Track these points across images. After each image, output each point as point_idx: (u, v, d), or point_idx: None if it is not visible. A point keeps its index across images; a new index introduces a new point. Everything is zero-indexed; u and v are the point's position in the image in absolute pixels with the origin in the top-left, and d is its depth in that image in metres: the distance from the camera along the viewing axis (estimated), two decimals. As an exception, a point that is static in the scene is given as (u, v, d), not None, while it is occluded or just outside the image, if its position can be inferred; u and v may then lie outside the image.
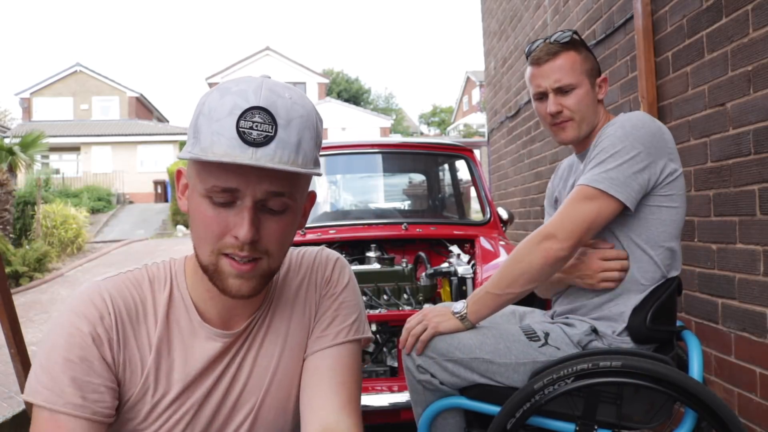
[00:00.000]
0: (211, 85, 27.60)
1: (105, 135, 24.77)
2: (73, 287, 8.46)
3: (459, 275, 2.42)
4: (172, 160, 21.59)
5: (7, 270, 8.26)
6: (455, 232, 3.06)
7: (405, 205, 4.23)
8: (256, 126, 0.75)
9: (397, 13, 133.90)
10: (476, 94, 34.42)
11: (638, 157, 1.36)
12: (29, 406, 0.83)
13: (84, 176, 23.19)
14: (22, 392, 0.85)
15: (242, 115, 0.75)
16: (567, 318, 1.50)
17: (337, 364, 0.93)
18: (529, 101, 4.86)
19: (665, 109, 2.59)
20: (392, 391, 2.26)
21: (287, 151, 0.76)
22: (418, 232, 2.96)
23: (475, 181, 3.37)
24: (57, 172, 22.58)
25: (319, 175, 0.81)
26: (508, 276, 1.40)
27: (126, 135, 24.84)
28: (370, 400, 2.20)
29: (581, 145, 1.57)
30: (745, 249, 2.04)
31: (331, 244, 2.89)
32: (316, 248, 1.04)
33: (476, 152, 3.62)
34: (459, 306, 1.45)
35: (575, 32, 1.54)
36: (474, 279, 2.40)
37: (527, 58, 1.58)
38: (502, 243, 2.82)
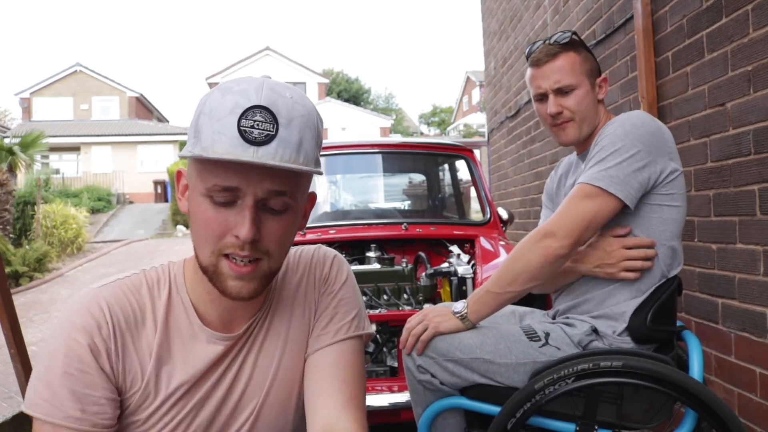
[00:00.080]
0: (211, 85, 27.61)
1: (105, 135, 24.77)
2: (73, 287, 8.46)
3: (459, 275, 2.42)
4: (172, 160, 21.60)
5: (7, 270, 8.27)
6: (455, 232, 3.06)
7: (405, 205, 4.24)
8: (258, 125, 0.75)
9: (397, 13, 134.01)
10: (476, 94, 34.43)
11: (638, 156, 1.36)
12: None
13: (84, 176, 23.19)
14: (22, 393, 0.85)
15: (243, 114, 0.75)
16: (567, 318, 1.50)
17: (339, 362, 0.93)
18: (529, 101, 4.87)
19: (665, 109, 2.59)
20: (392, 391, 2.26)
21: (288, 149, 0.76)
22: (418, 232, 2.96)
23: (475, 181, 3.37)
24: (57, 172, 22.58)
25: (320, 173, 0.81)
26: (508, 275, 1.40)
27: (126, 135, 24.84)
28: (370, 400, 2.20)
29: (582, 146, 1.57)
30: (745, 249, 2.04)
31: (331, 244, 2.88)
32: (312, 246, 1.03)
33: (476, 152, 3.62)
34: (459, 306, 1.45)
35: (574, 33, 1.54)
36: (474, 279, 2.40)
37: (527, 60, 1.58)
38: (502, 243, 2.82)
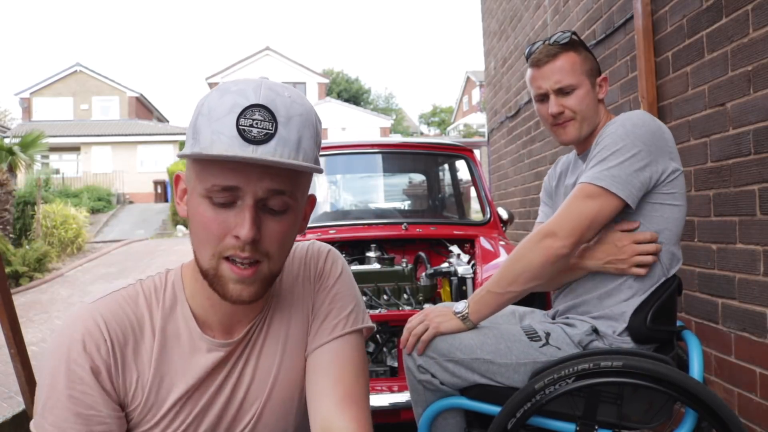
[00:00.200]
0: (211, 85, 27.63)
1: (105, 135, 24.77)
2: (73, 287, 8.46)
3: (459, 275, 2.42)
4: (172, 160, 21.59)
5: (7, 270, 8.27)
6: (455, 232, 3.06)
7: (405, 205, 4.24)
8: (257, 123, 0.74)
9: (397, 13, 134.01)
10: (476, 94, 34.43)
11: (639, 155, 1.36)
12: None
13: (84, 176, 23.19)
14: (22, 393, 0.85)
15: (242, 113, 0.74)
16: (568, 318, 1.50)
17: (335, 360, 0.92)
18: (529, 101, 4.87)
19: (665, 109, 2.59)
20: (392, 391, 2.26)
21: (288, 148, 0.76)
22: (418, 232, 2.96)
23: (475, 181, 3.37)
24: (57, 172, 22.57)
25: (320, 171, 0.80)
26: (509, 275, 1.40)
27: (126, 135, 24.84)
28: (370, 399, 2.20)
29: (583, 146, 1.57)
30: (745, 249, 2.04)
31: (331, 244, 2.88)
32: (306, 242, 1.02)
33: (476, 152, 3.62)
34: (460, 306, 1.45)
35: (574, 33, 1.54)
36: (474, 279, 2.40)
37: (527, 60, 1.58)
38: (502, 243, 2.82)
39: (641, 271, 1.39)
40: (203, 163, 0.78)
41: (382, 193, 3.88)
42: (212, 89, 0.81)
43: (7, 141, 11.34)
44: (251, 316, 0.92)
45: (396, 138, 16.33)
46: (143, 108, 30.19)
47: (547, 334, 1.43)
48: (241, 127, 0.74)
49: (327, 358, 0.92)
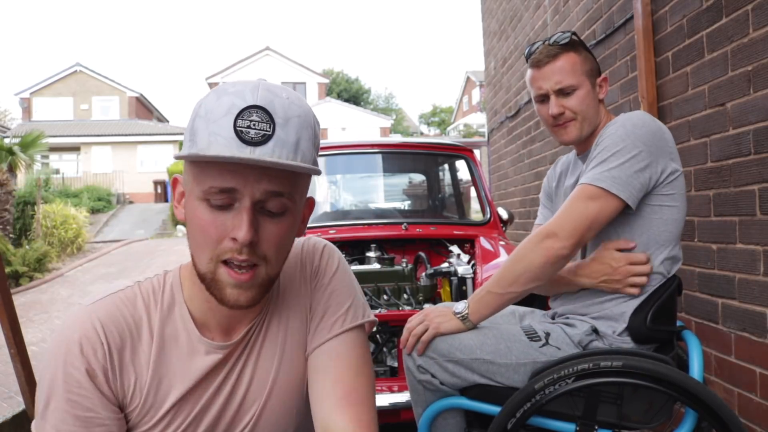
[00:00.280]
0: (211, 85, 27.61)
1: (105, 135, 24.76)
2: (73, 287, 8.46)
3: (459, 275, 2.42)
4: (172, 160, 21.57)
5: (7, 270, 8.27)
6: (455, 232, 3.06)
7: (405, 205, 4.23)
8: (254, 125, 0.74)
9: (397, 13, 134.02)
10: (476, 94, 34.42)
11: (639, 156, 1.36)
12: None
13: (84, 176, 23.18)
14: (22, 393, 0.86)
15: (239, 114, 0.74)
16: (567, 318, 1.50)
17: (335, 359, 0.91)
18: (529, 101, 4.86)
19: (665, 109, 2.59)
20: (392, 391, 2.26)
21: (285, 150, 0.75)
22: (418, 232, 2.96)
23: (475, 181, 3.37)
24: (57, 172, 22.56)
25: (318, 173, 0.79)
26: (510, 275, 1.39)
27: (126, 135, 24.83)
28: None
29: (583, 146, 1.57)
30: (745, 249, 2.04)
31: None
32: (301, 238, 1.00)
33: (476, 152, 3.62)
34: (460, 306, 1.45)
35: (574, 33, 1.54)
36: (474, 279, 2.40)
37: (527, 61, 1.58)
38: (502, 243, 2.82)
39: (634, 290, 1.40)
40: (200, 165, 0.77)
41: (382, 193, 3.88)
42: (210, 91, 0.80)
43: (7, 141, 11.34)
44: (250, 317, 0.91)
45: (396, 138, 16.33)
46: (143, 108, 30.19)
47: (547, 334, 1.43)
48: (238, 128, 0.74)
49: (326, 357, 0.91)
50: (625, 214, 1.41)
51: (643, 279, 1.40)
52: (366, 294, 2.51)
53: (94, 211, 18.15)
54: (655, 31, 2.66)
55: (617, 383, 1.31)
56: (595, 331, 1.42)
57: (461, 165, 3.62)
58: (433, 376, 1.43)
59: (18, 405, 3.29)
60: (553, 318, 1.57)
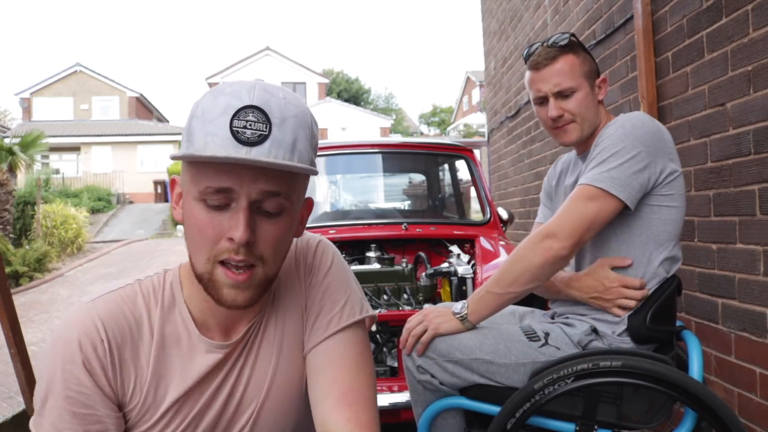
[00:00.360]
0: (211, 85, 27.59)
1: (105, 135, 24.77)
2: (73, 287, 8.46)
3: (459, 275, 2.42)
4: (171, 160, 21.57)
5: (7, 270, 8.26)
6: (455, 232, 3.06)
7: (405, 205, 4.24)
8: (250, 125, 0.74)
9: (397, 13, 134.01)
10: (476, 94, 34.42)
11: (638, 157, 1.36)
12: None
13: (84, 176, 23.19)
14: (22, 393, 0.85)
15: (236, 115, 0.74)
16: (567, 318, 1.50)
17: (332, 358, 0.90)
18: (529, 101, 4.86)
19: (665, 109, 2.59)
20: (392, 391, 2.26)
21: (282, 150, 0.75)
22: (418, 232, 2.96)
23: (475, 181, 3.37)
24: (57, 172, 22.56)
25: (314, 173, 0.79)
26: (509, 275, 1.40)
27: (126, 135, 24.84)
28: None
29: (583, 146, 1.57)
30: (745, 249, 2.04)
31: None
32: None
33: (476, 152, 3.62)
34: (459, 306, 1.45)
35: (572, 35, 1.54)
36: (474, 279, 2.40)
37: (525, 62, 1.58)
38: (502, 243, 2.82)
39: (620, 312, 1.41)
40: (197, 165, 0.77)
41: (382, 193, 3.88)
42: (207, 91, 0.80)
43: (7, 141, 11.34)
44: (249, 317, 0.91)
45: (396, 138, 16.34)
46: (143, 108, 30.19)
47: (546, 334, 1.43)
48: (234, 128, 0.74)
49: (324, 357, 0.91)
50: (624, 214, 1.41)
51: (633, 303, 1.40)
52: (366, 294, 2.51)
53: (94, 211, 18.15)
54: (655, 31, 2.66)
55: (617, 383, 1.31)
56: (594, 331, 1.42)
57: (461, 165, 3.62)
58: (432, 376, 1.43)
59: (18, 405, 3.30)
60: (552, 318, 1.57)
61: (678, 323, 1.49)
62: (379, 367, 2.39)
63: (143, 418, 0.85)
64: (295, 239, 0.96)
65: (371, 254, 2.87)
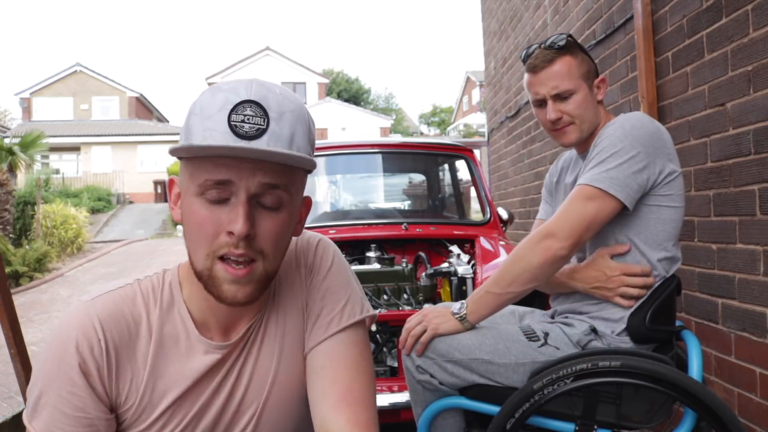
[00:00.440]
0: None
1: (105, 135, 24.78)
2: (73, 287, 8.46)
3: (459, 275, 2.42)
4: (172, 160, 21.57)
5: (7, 270, 8.26)
6: (455, 232, 3.06)
7: (405, 205, 4.24)
8: (248, 119, 0.74)
9: (396, 13, 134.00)
10: (476, 94, 34.42)
11: (638, 157, 1.37)
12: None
13: (84, 176, 23.20)
14: (22, 393, 0.86)
15: (234, 109, 0.74)
16: (567, 318, 1.50)
17: (332, 359, 0.90)
18: (529, 101, 4.86)
19: (665, 109, 2.59)
20: (392, 391, 2.26)
21: (280, 143, 0.76)
22: (418, 232, 2.96)
23: (475, 181, 3.37)
24: (57, 172, 22.56)
25: (313, 164, 0.79)
26: (508, 275, 1.39)
27: (126, 135, 24.85)
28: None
29: (583, 146, 1.57)
30: (745, 249, 2.04)
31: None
32: None
33: (476, 152, 3.62)
34: (458, 306, 1.45)
35: (570, 35, 1.53)
36: (474, 279, 2.40)
37: (524, 64, 1.58)
38: (502, 243, 2.82)
39: (624, 302, 1.40)
40: (196, 161, 0.77)
41: (382, 193, 3.88)
42: (204, 90, 0.81)
43: (7, 141, 11.35)
44: (249, 316, 0.90)
45: (396, 138, 16.35)
46: (143, 108, 30.19)
47: (546, 334, 1.43)
48: (232, 122, 0.74)
49: (324, 357, 0.90)
50: (623, 214, 1.41)
51: (637, 291, 1.40)
52: (366, 294, 2.51)
53: (94, 211, 18.16)
54: (655, 31, 2.66)
55: (616, 383, 1.31)
56: (593, 330, 1.42)
57: (461, 165, 3.62)
58: (432, 376, 1.43)
59: (18, 405, 3.30)
60: (552, 317, 1.57)
61: (678, 323, 1.49)
62: (379, 367, 2.39)
63: (140, 419, 0.85)
64: (295, 238, 0.96)
65: (371, 254, 2.87)
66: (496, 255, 2.62)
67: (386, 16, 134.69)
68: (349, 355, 0.91)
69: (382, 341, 2.41)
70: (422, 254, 2.78)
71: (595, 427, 1.32)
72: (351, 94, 40.58)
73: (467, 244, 3.01)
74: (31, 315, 6.64)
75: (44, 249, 9.85)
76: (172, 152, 0.75)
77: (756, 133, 1.96)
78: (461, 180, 3.84)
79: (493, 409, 1.38)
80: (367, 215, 3.50)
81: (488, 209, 3.21)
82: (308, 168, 0.82)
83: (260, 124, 0.75)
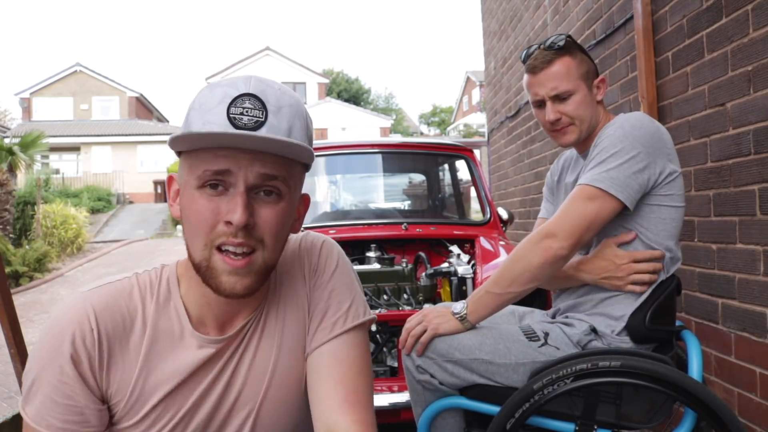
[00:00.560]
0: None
1: (105, 135, 24.78)
2: (73, 287, 8.46)
3: (459, 275, 2.42)
4: (172, 160, 21.59)
5: (7, 270, 8.27)
6: (455, 232, 3.06)
7: (405, 205, 4.24)
8: (247, 111, 0.75)
9: (396, 13, 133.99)
10: (476, 94, 34.41)
11: (638, 157, 1.37)
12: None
13: (84, 176, 23.20)
14: (22, 393, 0.85)
15: (233, 102, 0.76)
16: (567, 318, 1.50)
17: (336, 360, 0.90)
18: (528, 101, 4.86)
19: (665, 109, 2.59)
20: (392, 391, 2.26)
21: (279, 135, 0.77)
22: (418, 232, 2.96)
23: (475, 181, 3.37)
24: (57, 172, 22.57)
25: (311, 157, 0.80)
26: (509, 275, 1.39)
27: (126, 135, 24.85)
28: (370, 400, 2.20)
29: (583, 145, 1.57)
30: (745, 249, 2.04)
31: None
32: (299, 234, 0.98)
33: (476, 152, 3.62)
34: (459, 306, 1.45)
35: (569, 36, 1.53)
36: (474, 279, 2.40)
37: (523, 64, 1.58)
38: (502, 243, 2.82)
39: (637, 288, 1.40)
40: (194, 154, 0.78)
41: (382, 193, 3.88)
42: (204, 86, 0.82)
43: (7, 141, 11.34)
44: (247, 312, 0.90)
45: (396, 138, 16.33)
46: (143, 108, 30.19)
47: (546, 334, 1.43)
48: (231, 115, 0.75)
49: (327, 358, 0.90)
50: (623, 214, 1.41)
51: (647, 277, 1.39)
52: (366, 294, 2.51)
53: (94, 211, 18.16)
54: (655, 31, 2.66)
55: (616, 383, 1.31)
56: (593, 330, 1.42)
57: (461, 165, 3.62)
58: (432, 376, 1.43)
59: (18, 405, 3.29)
60: (553, 316, 1.57)
61: (678, 323, 1.49)
62: (379, 367, 2.39)
63: (131, 412, 0.85)
64: (299, 237, 0.97)
65: (371, 254, 2.87)
66: (496, 255, 2.62)
67: (386, 16, 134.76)
68: (352, 356, 0.91)
69: (382, 341, 2.41)
70: (422, 254, 2.78)
71: (595, 427, 1.32)
72: (351, 94, 40.57)
73: (467, 244, 3.01)
74: (31, 315, 6.64)
75: (44, 249, 9.85)
76: (172, 142, 0.76)
77: (756, 133, 1.96)
78: (461, 180, 3.84)
79: (493, 409, 1.38)
80: (367, 215, 3.50)
81: (488, 209, 3.21)
82: (306, 161, 0.83)
83: (259, 117, 0.76)
